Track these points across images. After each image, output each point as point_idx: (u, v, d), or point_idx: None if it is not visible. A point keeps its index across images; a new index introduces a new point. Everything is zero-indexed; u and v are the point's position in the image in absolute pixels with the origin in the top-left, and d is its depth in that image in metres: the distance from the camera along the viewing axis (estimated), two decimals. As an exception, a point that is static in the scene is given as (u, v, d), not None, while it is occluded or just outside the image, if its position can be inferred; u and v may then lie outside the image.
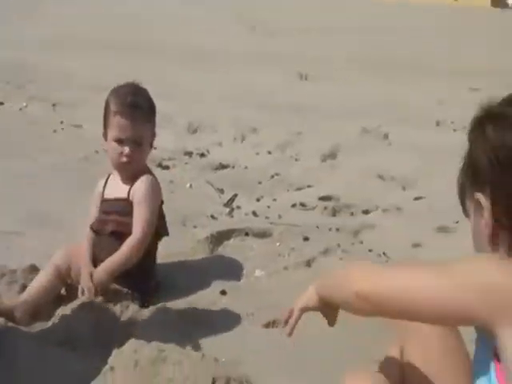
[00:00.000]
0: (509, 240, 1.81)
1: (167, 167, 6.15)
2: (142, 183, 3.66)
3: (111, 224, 3.64)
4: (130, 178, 3.70)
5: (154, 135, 3.80)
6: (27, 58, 12.28)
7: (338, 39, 14.81)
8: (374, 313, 1.94)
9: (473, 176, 1.90)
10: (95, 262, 3.66)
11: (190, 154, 6.64)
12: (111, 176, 3.82)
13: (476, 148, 1.88)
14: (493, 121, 1.86)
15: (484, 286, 1.73)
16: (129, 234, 3.59)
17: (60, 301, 3.59)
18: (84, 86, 9.67)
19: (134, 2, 24.82)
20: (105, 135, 3.72)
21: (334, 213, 5.07)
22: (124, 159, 3.62)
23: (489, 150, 1.83)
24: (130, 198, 3.64)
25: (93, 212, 3.80)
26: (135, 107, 3.60)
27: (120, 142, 3.62)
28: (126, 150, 3.61)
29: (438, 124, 8.21)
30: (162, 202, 3.78)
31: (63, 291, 3.69)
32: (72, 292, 3.63)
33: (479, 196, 1.86)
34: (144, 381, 2.55)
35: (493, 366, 1.75)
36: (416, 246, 4.48)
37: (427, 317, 1.85)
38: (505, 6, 35.34)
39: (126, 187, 3.67)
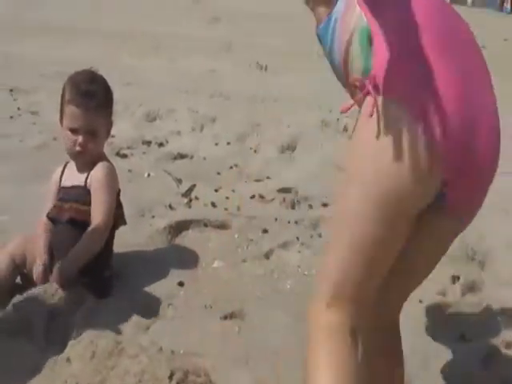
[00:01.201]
0: None
1: (125, 156, 6.08)
2: (99, 170, 3.62)
3: (68, 212, 3.59)
4: (86, 166, 3.66)
5: (110, 124, 3.76)
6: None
7: (296, 30, 14.78)
8: None
9: None
10: (52, 250, 3.62)
11: (148, 143, 6.57)
12: (68, 164, 3.77)
13: None
14: None
15: None
16: (86, 221, 3.55)
17: (15, 290, 3.53)
18: (41, 71, 9.54)
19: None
20: (61, 122, 3.68)
21: (293, 205, 5.06)
22: (78, 148, 3.58)
23: None
24: (88, 185, 3.60)
25: (49, 200, 3.75)
26: (89, 96, 3.55)
27: (74, 131, 3.57)
28: (80, 139, 3.56)
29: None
30: (119, 191, 3.74)
31: (18, 280, 3.64)
32: (27, 281, 3.59)
33: None
34: (100, 373, 2.52)
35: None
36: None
37: None
38: (464, 3, 35.48)
39: (84, 175, 3.63)
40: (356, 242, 2.03)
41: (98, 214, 3.53)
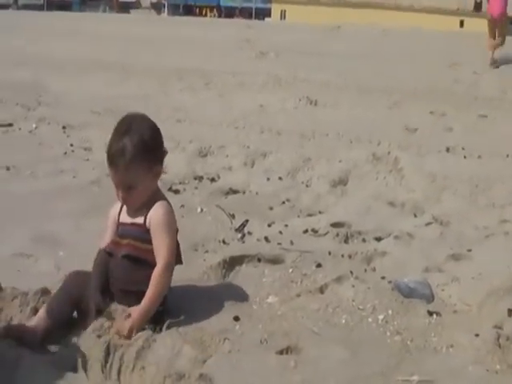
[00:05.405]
0: None
1: (177, 191, 6.13)
2: (158, 211, 3.63)
3: (126, 247, 3.62)
4: (142, 206, 3.67)
5: (151, 169, 3.66)
6: (38, 79, 12.33)
7: (343, 65, 14.83)
8: None
9: None
10: (108, 283, 3.65)
11: (200, 178, 6.62)
12: (127, 200, 3.80)
13: None
14: None
15: None
16: (142, 259, 3.58)
17: (72, 325, 3.57)
18: (92, 108, 9.67)
19: (149, 28, 24.95)
20: None
21: (346, 239, 5.04)
22: (121, 200, 3.66)
23: None
24: (147, 224, 3.62)
25: (107, 234, 3.78)
26: (118, 155, 3.56)
27: (115, 185, 3.63)
28: (120, 193, 3.62)
29: (448, 150, 8.22)
30: (177, 230, 3.75)
31: (75, 315, 3.67)
32: (84, 315, 3.61)
33: None
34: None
35: None
36: (428, 273, 4.44)
37: None
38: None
39: (142, 213, 3.65)
40: None
41: (161, 256, 3.57)
